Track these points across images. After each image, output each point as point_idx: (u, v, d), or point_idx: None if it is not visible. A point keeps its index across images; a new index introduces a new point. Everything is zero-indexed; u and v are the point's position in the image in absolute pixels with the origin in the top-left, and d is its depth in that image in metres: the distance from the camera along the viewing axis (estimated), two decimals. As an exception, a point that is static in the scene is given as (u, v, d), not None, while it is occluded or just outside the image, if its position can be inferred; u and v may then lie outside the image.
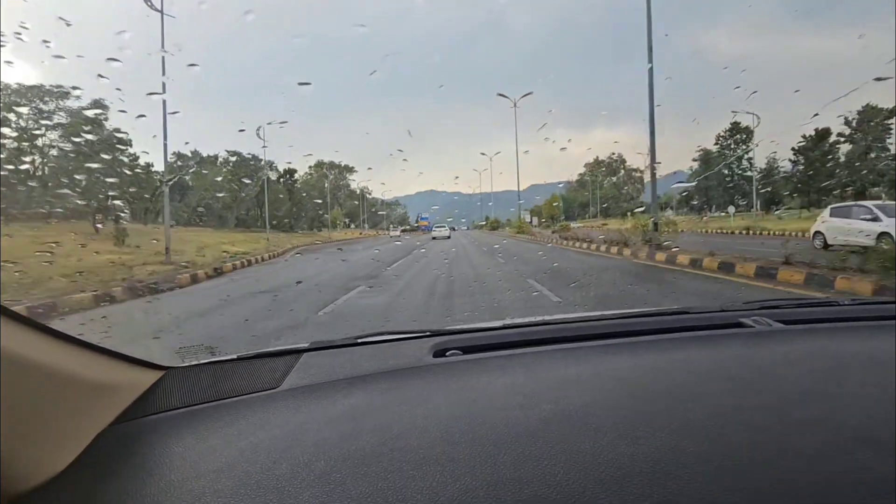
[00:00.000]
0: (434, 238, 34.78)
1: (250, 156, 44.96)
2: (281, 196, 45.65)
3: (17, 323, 0.66)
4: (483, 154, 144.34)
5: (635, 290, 8.09)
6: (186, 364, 1.03)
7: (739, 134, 58.20)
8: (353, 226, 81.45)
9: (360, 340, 1.13)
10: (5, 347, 0.61)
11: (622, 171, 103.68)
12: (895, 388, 0.73)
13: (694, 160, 66.76)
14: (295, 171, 48.56)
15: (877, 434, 0.62)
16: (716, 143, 61.04)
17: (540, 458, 0.59)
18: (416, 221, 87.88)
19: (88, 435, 0.73)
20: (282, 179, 47.88)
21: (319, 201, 53.56)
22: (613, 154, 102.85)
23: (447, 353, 1.00)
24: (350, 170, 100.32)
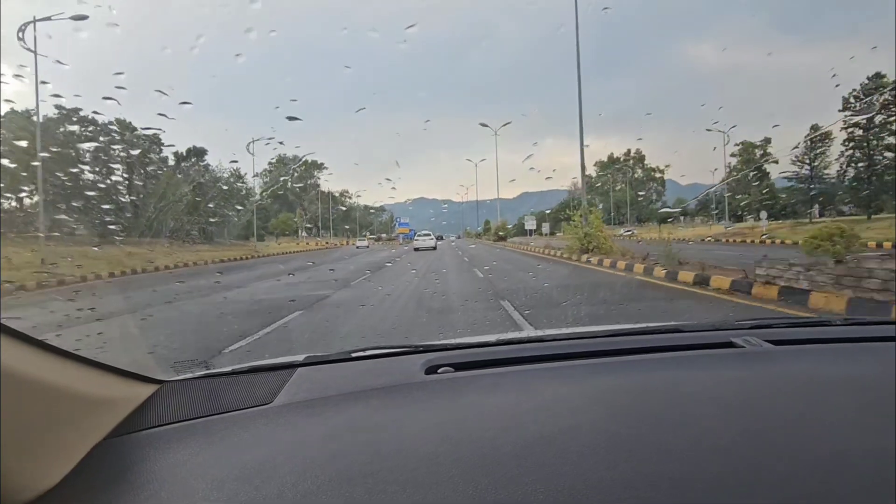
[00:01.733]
0: (416, 249, 29.61)
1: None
2: (182, 190, 29.75)
3: (11, 338, 0.66)
4: (469, 160, 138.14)
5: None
6: (181, 378, 1.02)
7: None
8: (303, 234, 65.33)
9: (354, 355, 1.13)
10: (1, 362, 0.62)
11: (639, 171, 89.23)
12: (882, 410, 0.74)
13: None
14: (204, 151, 32.68)
15: (860, 460, 0.63)
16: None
17: (520, 483, 0.60)
18: (395, 228, 72.53)
19: (83, 449, 0.73)
20: (183, 164, 31.76)
21: (240, 207, 37.30)
22: (630, 151, 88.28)
23: (439, 370, 1.00)
24: (319, 167, 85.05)
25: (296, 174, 79.16)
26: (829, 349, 1.10)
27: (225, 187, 33.29)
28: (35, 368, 0.68)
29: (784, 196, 53.75)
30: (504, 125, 35.98)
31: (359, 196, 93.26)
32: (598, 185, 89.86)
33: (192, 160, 33.31)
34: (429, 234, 33.99)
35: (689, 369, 0.98)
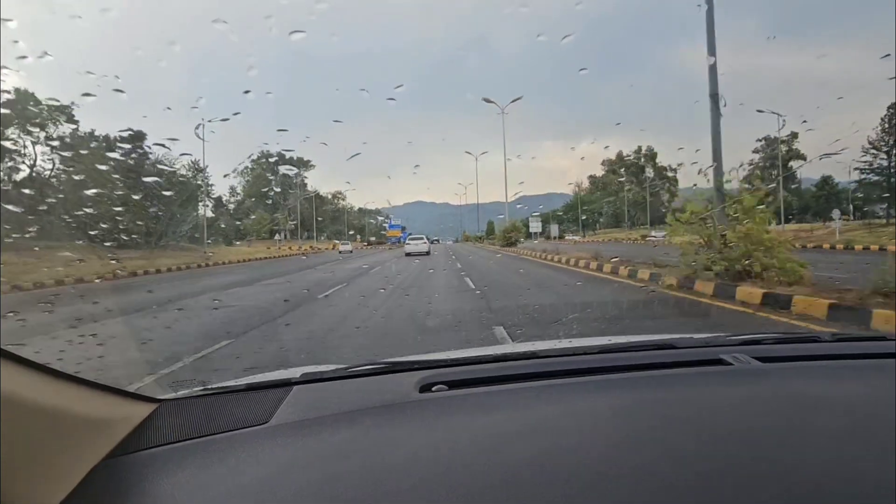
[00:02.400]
0: (408, 254, 27.50)
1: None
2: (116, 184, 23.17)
3: (8, 361, 0.67)
4: (468, 153, 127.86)
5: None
6: (179, 396, 1.03)
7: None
8: (279, 237, 58.87)
9: (350, 371, 1.15)
10: None
11: (650, 171, 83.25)
12: (872, 429, 0.74)
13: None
14: (143, 135, 26.24)
15: (852, 480, 0.63)
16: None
17: None
18: (385, 231, 66.11)
19: (82, 470, 0.73)
20: (117, 148, 25.36)
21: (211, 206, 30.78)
22: (641, 149, 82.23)
23: (433, 388, 1.01)
24: (306, 164, 78.67)
25: (280, 173, 72.80)
26: (819, 366, 1.11)
27: (159, 179, 26.74)
28: (31, 390, 0.67)
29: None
30: (514, 100, 33.51)
31: (344, 197, 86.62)
32: (599, 187, 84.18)
33: (130, 146, 26.71)
34: (421, 238, 31.32)
35: (679, 388, 0.99)
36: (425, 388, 1.01)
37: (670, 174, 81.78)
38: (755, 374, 1.04)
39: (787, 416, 0.83)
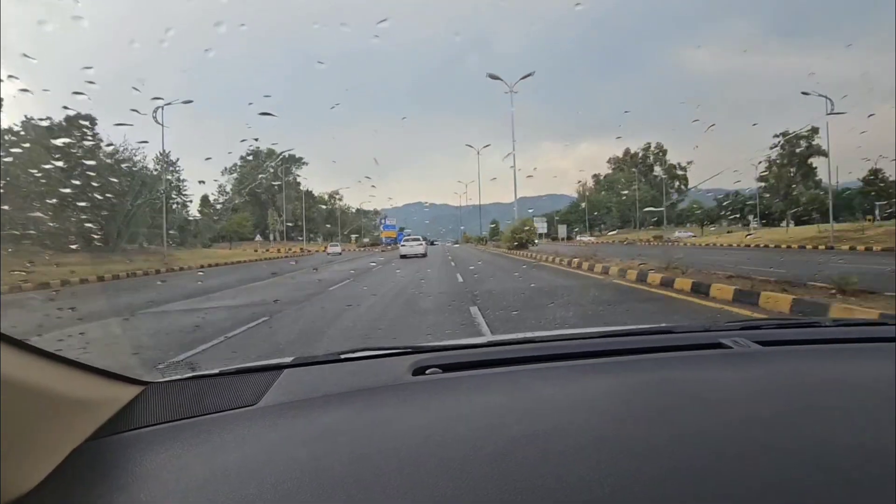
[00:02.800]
0: (403, 256, 25.53)
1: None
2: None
3: None
4: (469, 146, 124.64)
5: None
6: (167, 379, 1.02)
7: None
8: (258, 238, 54.97)
9: (342, 356, 1.13)
10: None
11: (658, 169, 79.44)
12: (872, 411, 0.75)
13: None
14: (93, 119, 22.51)
15: (851, 461, 0.63)
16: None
17: (502, 483, 0.61)
18: (379, 232, 62.18)
19: (64, 450, 0.73)
20: (62, 135, 21.51)
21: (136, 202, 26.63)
22: (650, 146, 78.43)
23: (427, 371, 1.00)
24: (298, 162, 74.81)
25: (271, 170, 68.94)
26: (819, 350, 1.10)
27: (113, 171, 22.87)
28: (15, 369, 0.67)
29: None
30: (525, 76, 31.97)
31: (341, 197, 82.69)
32: (606, 186, 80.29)
33: (80, 133, 22.91)
34: (417, 239, 29.14)
35: (677, 370, 0.98)
36: (419, 371, 0.99)
37: (679, 172, 77.99)
38: (755, 356, 1.03)
39: (787, 398, 0.82)
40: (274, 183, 68.38)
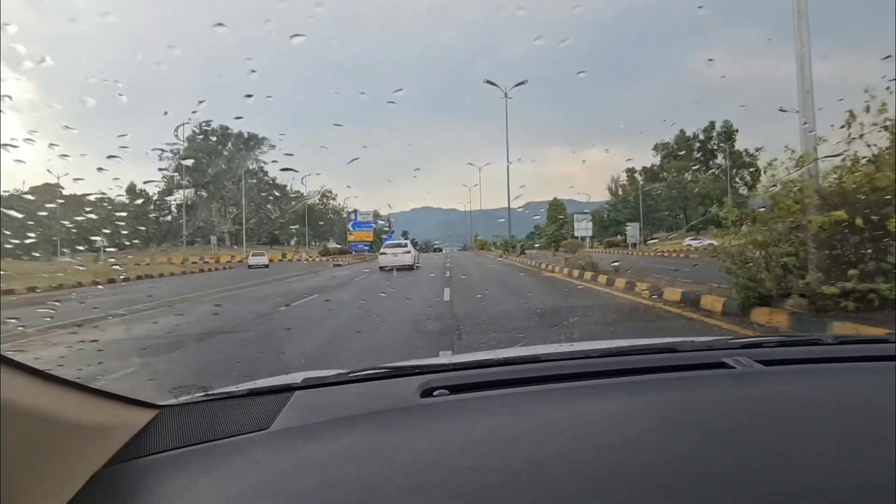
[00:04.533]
0: (382, 268, 18.64)
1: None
2: None
3: (7, 367, 0.67)
4: (471, 164, 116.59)
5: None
6: (179, 402, 1.03)
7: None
8: (176, 242, 37.92)
9: (350, 376, 1.15)
10: None
11: (720, 158, 62.44)
12: (876, 432, 0.75)
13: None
14: None
15: (855, 483, 0.63)
16: None
17: None
18: (348, 232, 44.58)
19: (82, 477, 0.73)
20: None
21: None
22: (713, 125, 61.45)
23: (434, 393, 1.00)
24: (262, 143, 58.65)
25: (225, 154, 52.99)
26: (821, 369, 1.11)
27: None
28: (32, 397, 0.67)
29: None
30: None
31: (334, 196, 66.27)
32: (650, 177, 63.55)
33: None
34: (402, 245, 21.21)
35: (681, 391, 0.99)
36: (427, 392, 1.00)
37: (747, 159, 60.99)
38: (757, 377, 1.04)
39: (789, 418, 0.83)
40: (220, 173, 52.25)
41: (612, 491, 0.63)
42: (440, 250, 66.00)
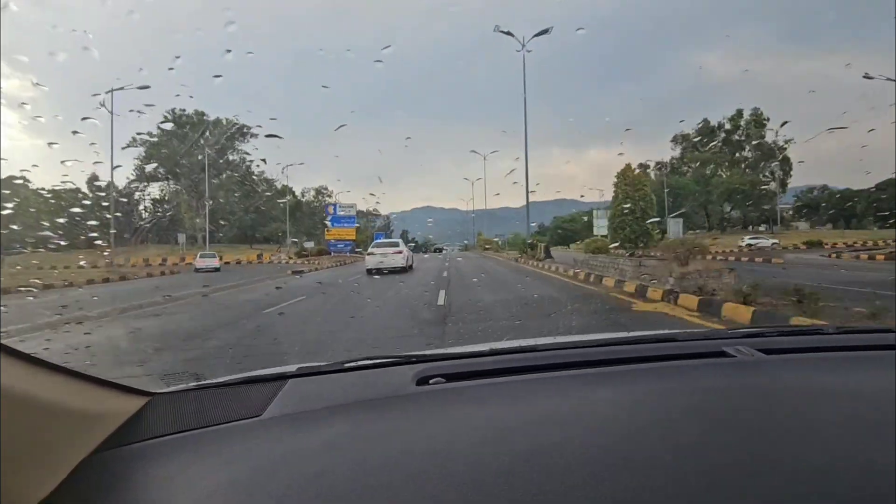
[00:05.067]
0: (370, 271, 16.39)
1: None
2: None
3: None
4: (466, 179, 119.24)
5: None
6: (172, 390, 1.02)
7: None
8: (119, 239, 32.17)
9: (346, 366, 1.13)
10: None
11: (747, 149, 56.91)
12: (877, 420, 0.75)
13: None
14: None
15: (856, 471, 0.63)
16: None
17: (509, 499, 0.61)
18: (325, 230, 38.12)
19: (71, 463, 0.73)
20: None
21: None
22: (741, 114, 55.88)
23: (430, 381, 0.99)
24: (244, 132, 53.23)
25: (202, 143, 47.60)
26: (822, 358, 1.10)
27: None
28: (21, 382, 0.68)
29: None
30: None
31: (330, 194, 60.88)
32: (671, 169, 58.04)
33: None
34: (394, 245, 17.85)
35: (681, 379, 0.98)
36: (422, 380, 0.99)
37: (777, 147, 55.42)
38: (759, 365, 1.03)
39: (790, 406, 0.83)
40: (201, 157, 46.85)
41: (612, 478, 0.63)
42: (441, 250, 60.77)
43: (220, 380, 1.08)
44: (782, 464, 0.64)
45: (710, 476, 0.63)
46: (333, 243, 33.41)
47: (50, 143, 14.00)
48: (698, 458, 0.67)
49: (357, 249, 30.23)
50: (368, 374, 1.08)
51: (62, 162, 8.31)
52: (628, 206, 23.59)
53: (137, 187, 48.39)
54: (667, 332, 1.34)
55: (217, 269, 25.11)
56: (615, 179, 23.22)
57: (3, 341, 0.68)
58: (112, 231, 30.78)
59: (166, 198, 49.49)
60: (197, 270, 24.61)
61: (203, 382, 1.08)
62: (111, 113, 20.84)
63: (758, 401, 0.86)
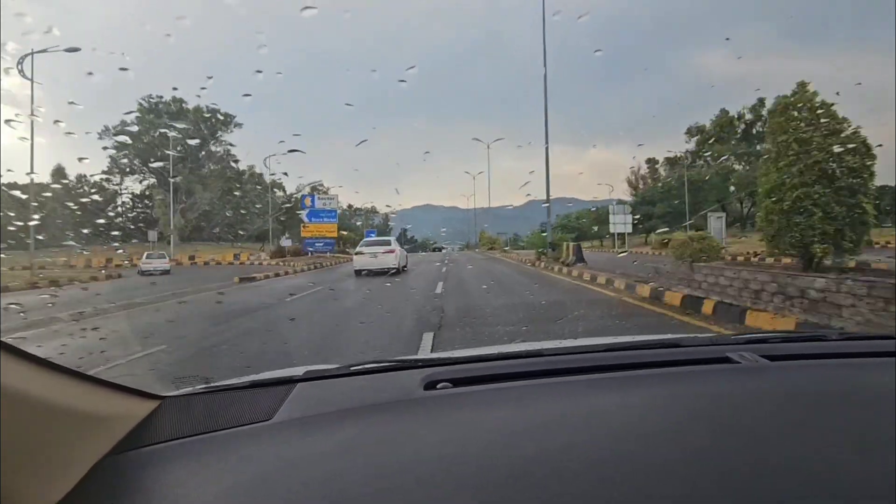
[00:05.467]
0: (358, 272, 15.19)
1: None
2: None
3: (12, 355, 0.68)
4: (467, 173, 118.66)
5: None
6: (182, 393, 1.03)
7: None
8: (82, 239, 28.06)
9: (353, 369, 1.14)
10: (2, 380, 0.64)
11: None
12: (880, 426, 0.76)
13: None
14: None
15: (859, 477, 0.64)
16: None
17: (517, 503, 0.62)
18: (302, 225, 33.29)
19: (84, 466, 0.74)
20: None
21: None
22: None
23: (438, 386, 0.99)
24: (227, 122, 49.51)
25: (176, 132, 43.84)
26: (826, 364, 1.11)
27: None
28: (35, 386, 0.68)
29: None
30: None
31: (326, 190, 57.09)
32: (694, 161, 54.07)
33: None
34: (385, 243, 15.81)
35: (685, 385, 0.98)
36: (430, 385, 0.99)
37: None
38: (762, 371, 1.04)
39: (794, 412, 0.84)
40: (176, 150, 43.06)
41: (620, 482, 0.63)
42: (440, 249, 57.50)
43: (229, 382, 1.08)
44: (786, 469, 0.64)
45: (715, 481, 0.63)
46: (311, 241, 28.73)
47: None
48: (704, 463, 0.67)
49: (347, 250, 26.37)
50: (376, 379, 1.09)
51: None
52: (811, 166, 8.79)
53: (110, 181, 44.71)
54: (671, 336, 1.36)
55: (167, 272, 21.93)
56: (776, 118, 10.67)
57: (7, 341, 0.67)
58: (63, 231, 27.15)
59: (147, 193, 45.89)
60: (142, 273, 21.46)
61: (212, 385, 1.08)
62: (30, 80, 16.92)
63: (762, 406, 0.86)
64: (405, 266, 16.77)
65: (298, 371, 1.12)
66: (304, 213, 29.23)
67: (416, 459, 0.72)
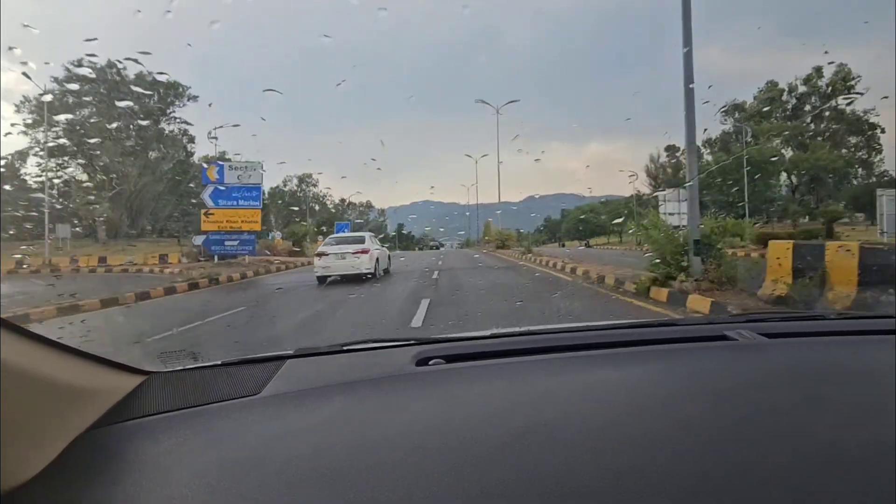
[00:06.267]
0: (319, 278, 11.98)
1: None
2: None
3: None
4: (468, 156, 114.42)
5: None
6: (169, 369, 1.02)
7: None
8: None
9: (345, 347, 1.14)
10: None
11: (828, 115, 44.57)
12: (878, 402, 0.76)
13: None
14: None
15: (855, 452, 0.64)
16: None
17: (505, 473, 0.61)
18: (204, 212, 18.19)
19: (65, 439, 0.74)
20: None
21: None
22: (821, 70, 43.22)
23: (430, 362, 0.99)
24: (179, 92, 41.35)
25: (119, 105, 35.74)
26: (824, 342, 1.10)
27: None
28: (18, 357, 0.68)
29: None
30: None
31: (315, 183, 49.56)
32: (719, 147, 45.81)
33: None
34: (359, 240, 12.69)
35: (681, 361, 0.97)
36: (422, 361, 0.99)
37: (863, 116, 43.03)
38: (760, 348, 1.03)
39: (792, 389, 0.83)
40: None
41: (612, 453, 0.63)
42: (438, 247, 51.88)
43: (218, 361, 1.06)
44: (783, 445, 0.64)
45: (709, 451, 0.63)
46: (216, 238, 17.22)
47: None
48: (698, 435, 0.66)
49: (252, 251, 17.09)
50: (368, 356, 1.08)
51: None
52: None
53: (23, 164, 36.55)
54: (667, 318, 1.58)
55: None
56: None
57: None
58: None
59: (69, 179, 37.99)
60: None
61: (200, 363, 1.06)
62: None
63: (759, 381, 0.86)
64: (387, 268, 13.29)
65: (289, 350, 1.09)
66: (206, 193, 17.26)
67: (407, 432, 0.71)
